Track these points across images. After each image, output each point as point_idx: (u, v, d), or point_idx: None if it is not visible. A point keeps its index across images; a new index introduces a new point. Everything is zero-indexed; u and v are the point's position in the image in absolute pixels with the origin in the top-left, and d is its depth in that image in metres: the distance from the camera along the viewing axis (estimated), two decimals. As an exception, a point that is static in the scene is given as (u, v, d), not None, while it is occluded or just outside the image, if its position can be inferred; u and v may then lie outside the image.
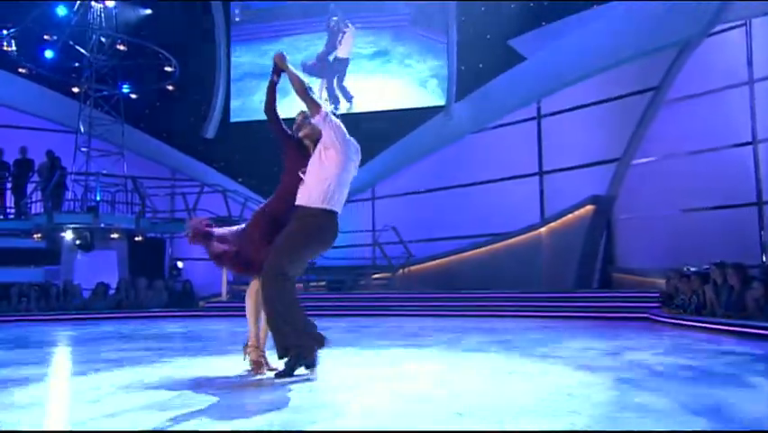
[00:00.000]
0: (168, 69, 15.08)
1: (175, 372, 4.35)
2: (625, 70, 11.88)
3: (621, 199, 12.35)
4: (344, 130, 3.89)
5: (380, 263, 14.37)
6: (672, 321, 8.23)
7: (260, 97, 16.90)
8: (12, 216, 13.84)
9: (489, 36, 14.23)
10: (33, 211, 13.42)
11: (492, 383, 3.70)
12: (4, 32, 14.48)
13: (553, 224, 12.58)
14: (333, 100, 16.15)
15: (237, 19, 16.92)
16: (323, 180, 3.75)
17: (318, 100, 3.91)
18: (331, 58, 16.15)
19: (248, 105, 16.77)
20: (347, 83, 16.10)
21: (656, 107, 11.68)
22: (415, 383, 3.67)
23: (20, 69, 14.73)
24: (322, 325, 3.93)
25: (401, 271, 13.84)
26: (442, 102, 14.73)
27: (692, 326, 7.58)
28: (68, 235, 12.84)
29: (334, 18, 16.08)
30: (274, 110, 4.05)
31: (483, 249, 13.25)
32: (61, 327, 9.58)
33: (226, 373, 4.04)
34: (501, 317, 10.12)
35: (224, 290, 14.51)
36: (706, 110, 11.22)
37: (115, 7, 14.96)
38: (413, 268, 14.07)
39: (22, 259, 14.07)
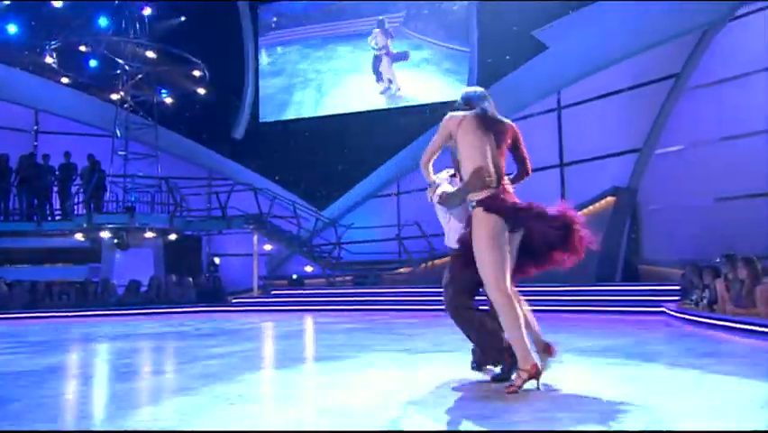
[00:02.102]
0: (196, 73, 15.66)
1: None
2: (645, 57, 11.60)
3: (649, 189, 12.06)
4: None
5: (405, 258, 14.56)
6: (684, 317, 8.08)
7: (288, 98, 17.21)
8: (59, 218, 14.76)
9: (515, 28, 14.01)
10: (77, 212, 14.28)
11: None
12: (52, 45, 15.41)
13: (574, 216, 12.40)
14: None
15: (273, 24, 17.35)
16: None
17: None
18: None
19: (276, 105, 17.24)
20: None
21: (678, 94, 11.35)
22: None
23: (63, 79, 15.67)
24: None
25: (423, 265, 13.96)
26: (463, 96, 14.69)
27: (702, 322, 7.43)
28: (106, 235, 13.61)
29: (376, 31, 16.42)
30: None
31: (505, 242, 13.19)
32: (104, 323, 10.19)
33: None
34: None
35: (255, 285, 15.04)
36: (732, 95, 10.83)
37: (148, 16, 15.63)
38: (437, 262, 14.16)
39: (69, 257, 15.07)
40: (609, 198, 11.84)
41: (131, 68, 15.22)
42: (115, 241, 13.63)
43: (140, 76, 15.48)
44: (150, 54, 15.14)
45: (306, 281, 14.48)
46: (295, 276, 14.04)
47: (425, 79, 15.75)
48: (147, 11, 16.26)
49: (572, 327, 7.70)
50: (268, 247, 15.54)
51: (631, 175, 11.88)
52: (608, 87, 12.23)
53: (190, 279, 13.28)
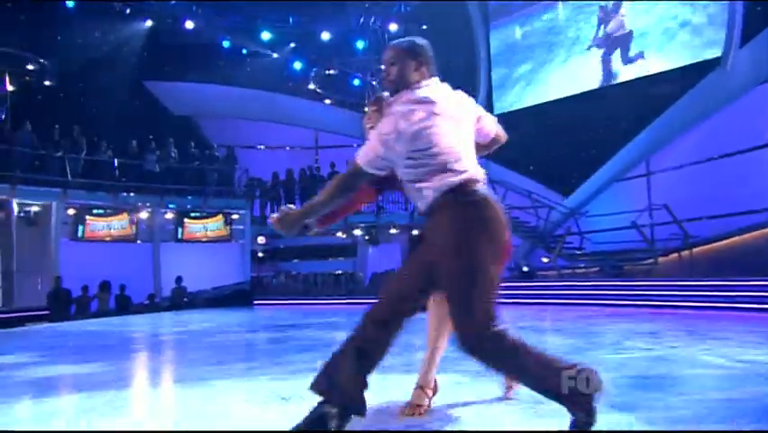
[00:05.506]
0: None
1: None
2: None
3: None
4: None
5: (658, 246, 12.86)
6: None
7: (521, 83, 16.82)
8: (329, 219, 17.41)
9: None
10: (341, 213, 16.64)
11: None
12: (315, 73, 18.23)
13: None
14: (608, 76, 15.23)
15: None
16: None
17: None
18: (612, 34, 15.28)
19: (510, 93, 17.05)
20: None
21: None
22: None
23: (326, 101, 18.35)
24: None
25: (677, 254, 12.14)
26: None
27: None
28: (359, 232, 15.44)
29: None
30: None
31: (781, 225, 10.66)
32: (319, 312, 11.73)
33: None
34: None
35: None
36: None
37: (386, 32, 17.18)
38: (695, 251, 12.16)
39: (338, 253, 17.57)
40: None
41: (375, 80, 17.00)
42: (366, 237, 15.37)
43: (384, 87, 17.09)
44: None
45: (540, 273, 13.94)
46: (525, 268, 13.66)
47: (673, 41, 13.66)
48: (393, 27, 17.92)
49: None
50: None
51: None
52: None
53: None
